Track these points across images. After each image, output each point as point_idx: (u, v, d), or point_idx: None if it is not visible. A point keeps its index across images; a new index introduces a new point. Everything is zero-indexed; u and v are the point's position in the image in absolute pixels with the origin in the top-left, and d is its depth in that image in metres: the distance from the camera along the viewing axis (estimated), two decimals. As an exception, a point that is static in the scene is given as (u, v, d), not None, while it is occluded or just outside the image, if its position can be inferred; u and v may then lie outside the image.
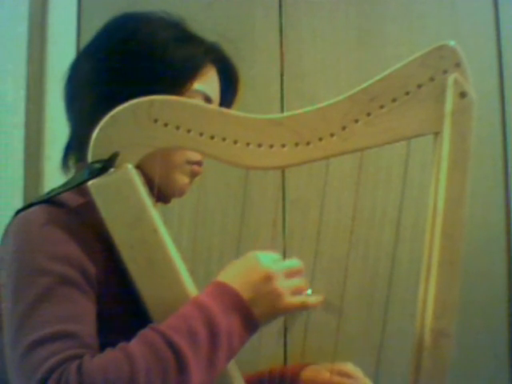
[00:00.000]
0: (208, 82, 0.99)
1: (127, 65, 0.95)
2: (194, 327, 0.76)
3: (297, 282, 0.85)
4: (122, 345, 0.75)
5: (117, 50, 0.96)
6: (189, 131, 0.85)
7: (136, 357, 0.72)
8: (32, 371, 0.72)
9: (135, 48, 0.95)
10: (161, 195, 0.96)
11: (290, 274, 0.85)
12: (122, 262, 0.82)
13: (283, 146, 0.85)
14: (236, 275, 0.83)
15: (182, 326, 0.76)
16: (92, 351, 0.75)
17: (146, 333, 0.76)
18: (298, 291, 0.85)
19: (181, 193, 1.00)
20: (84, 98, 0.96)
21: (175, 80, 0.95)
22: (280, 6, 1.98)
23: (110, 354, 0.74)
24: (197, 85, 0.97)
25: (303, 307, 0.85)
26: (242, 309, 0.80)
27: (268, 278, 0.82)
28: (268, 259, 0.84)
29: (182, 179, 0.99)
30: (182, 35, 0.99)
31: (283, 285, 0.83)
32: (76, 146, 0.98)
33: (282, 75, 1.96)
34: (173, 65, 0.95)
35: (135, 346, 0.74)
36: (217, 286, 0.82)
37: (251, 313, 0.81)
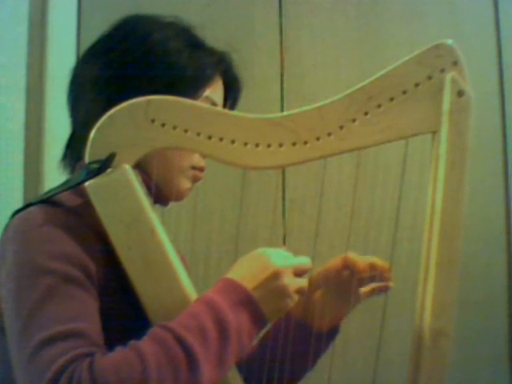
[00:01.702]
0: (216, 90, 1.01)
1: (138, 69, 0.94)
2: (203, 324, 0.76)
3: (302, 282, 0.86)
4: (132, 343, 0.75)
5: (128, 54, 0.96)
6: (186, 131, 0.84)
7: (147, 355, 0.72)
8: (42, 370, 0.72)
9: (147, 53, 0.95)
10: (160, 197, 0.96)
11: (299, 272, 0.85)
12: (120, 263, 0.82)
13: (281, 145, 0.85)
14: (245, 272, 0.83)
15: (191, 323, 0.77)
16: (101, 349, 0.75)
17: (156, 331, 0.76)
18: (300, 291, 0.85)
19: (180, 197, 1.00)
20: (90, 98, 0.96)
21: (188, 88, 0.95)
22: (280, 6, 1.98)
23: (121, 352, 0.74)
24: (207, 92, 0.98)
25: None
26: (250, 305, 0.81)
27: (277, 275, 0.82)
28: (278, 256, 0.85)
29: (185, 184, 0.99)
30: (193, 42, 1.00)
31: (292, 281, 0.83)
32: (77, 145, 0.98)
33: (282, 75, 1.96)
34: (187, 73, 0.95)
35: (146, 344, 0.74)
36: (226, 282, 0.83)
37: (260, 309, 0.81)
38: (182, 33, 1.00)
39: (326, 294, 1.02)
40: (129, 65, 0.95)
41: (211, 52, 1.02)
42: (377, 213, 1.82)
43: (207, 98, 0.98)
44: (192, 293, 0.84)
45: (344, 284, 1.00)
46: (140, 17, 1.01)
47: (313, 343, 1.00)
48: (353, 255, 1.00)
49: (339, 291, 1.01)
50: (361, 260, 0.99)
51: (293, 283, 0.84)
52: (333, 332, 1.05)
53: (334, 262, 1.02)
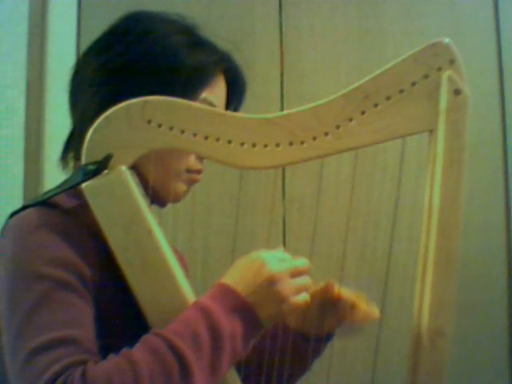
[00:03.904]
0: (215, 91, 0.98)
1: (136, 66, 0.93)
2: (196, 331, 0.76)
3: (302, 280, 0.84)
4: (125, 351, 0.74)
5: (127, 51, 0.94)
6: (183, 132, 0.84)
7: (139, 363, 0.72)
8: (35, 378, 0.72)
9: (146, 50, 0.94)
10: (157, 199, 0.95)
11: (296, 273, 0.84)
12: (118, 264, 0.82)
13: (277, 145, 0.85)
14: (240, 277, 0.82)
15: (184, 330, 0.76)
16: (94, 357, 0.75)
17: (149, 338, 0.76)
18: (302, 290, 0.84)
19: (176, 200, 0.99)
20: (89, 96, 0.95)
21: (184, 87, 0.93)
22: (280, 6, 1.99)
23: (114, 360, 0.73)
24: (205, 94, 0.95)
25: (307, 305, 0.85)
26: (245, 311, 0.80)
27: (272, 281, 0.81)
28: (274, 260, 0.83)
29: (181, 187, 0.97)
30: (194, 41, 0.97)
31: (288, 285, 0.82)
32: (75, 144, 0.98)
33: (282, 75, 1.96)
34: (184, 72, 0.93)
35: (138, 352, 0.74)
36: (220, 288, 0.82)
37: (255, 315, 0.80)
38: (183, 31, 0.98)
39: (319, 308, 1.01)
40: (127, 62, 0.93)
41: (212, 51, 0.99)
42: (375, 212, 1.82)
43: (205, 100, 0.95)
44: (190, 294, 0.83)
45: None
46: (142, 14, 0.99)
47: (307, 349, 1.00)
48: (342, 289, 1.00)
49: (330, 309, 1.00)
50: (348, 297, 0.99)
51: (290, 286, 0.82)
52: (328, 337, 1.04)
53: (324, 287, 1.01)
